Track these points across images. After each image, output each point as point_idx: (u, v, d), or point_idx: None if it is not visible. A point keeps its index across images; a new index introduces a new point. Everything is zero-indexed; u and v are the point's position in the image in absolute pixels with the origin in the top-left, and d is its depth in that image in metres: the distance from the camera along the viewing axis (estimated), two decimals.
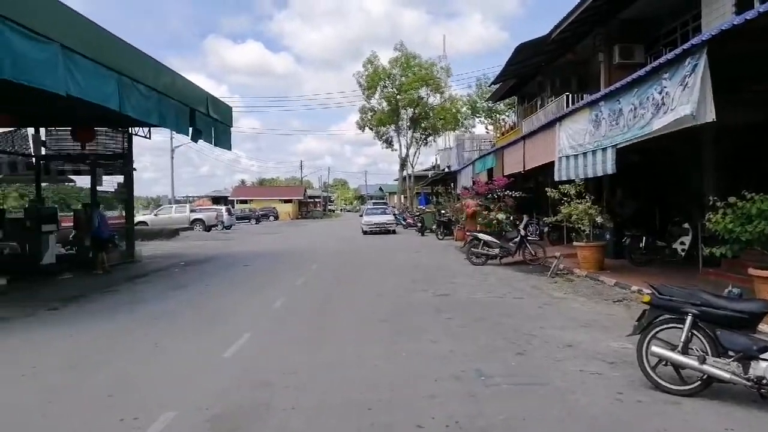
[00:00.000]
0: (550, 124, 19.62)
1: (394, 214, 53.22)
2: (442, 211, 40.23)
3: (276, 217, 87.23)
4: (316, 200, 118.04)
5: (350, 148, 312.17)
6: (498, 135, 47.11)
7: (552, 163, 18.99)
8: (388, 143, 76.27)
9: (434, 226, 39.82)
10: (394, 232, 44.49)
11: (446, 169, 54.72)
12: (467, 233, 25.20)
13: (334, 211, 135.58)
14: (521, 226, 22.85)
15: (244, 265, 23.08)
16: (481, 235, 22.82)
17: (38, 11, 12.41)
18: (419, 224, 43.54)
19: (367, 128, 74.92)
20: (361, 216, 53.52)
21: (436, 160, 73.65)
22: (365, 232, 43.65)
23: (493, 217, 25.38)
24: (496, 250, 22.31)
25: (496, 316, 12.90)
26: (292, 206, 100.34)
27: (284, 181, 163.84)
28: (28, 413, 7.99)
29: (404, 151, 76.10)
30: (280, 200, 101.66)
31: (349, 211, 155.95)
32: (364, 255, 26.80)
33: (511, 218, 25.26)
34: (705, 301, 8.18)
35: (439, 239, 36.26)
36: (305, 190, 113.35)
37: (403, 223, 52.93)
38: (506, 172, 24.85)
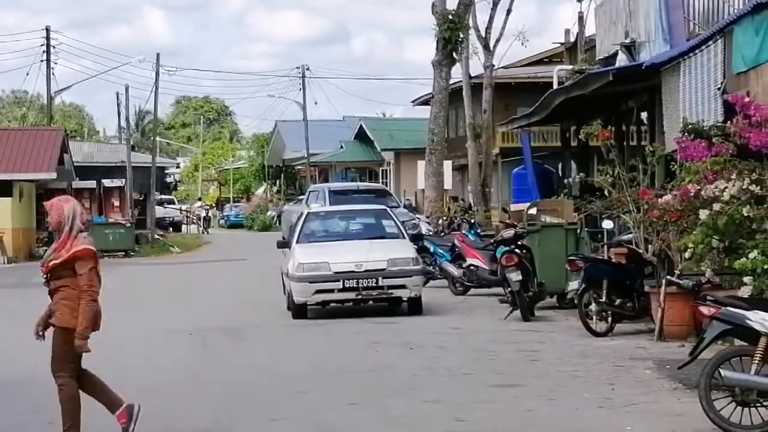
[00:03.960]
0: None
1: (420, 237, 18.98)
2: (606, 221, 13.38)
3: None
4: (115, 184, 38.71)
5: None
6: None
7: None
8: None
9: (571, 286, 12.40)
10: (413, 306, 14.45)
11: (618, 57, 18.62)
12: (702, 307, 6.95)
13: (180, 221, 54.92)
14: None
15: None
16: None
17: None
18: (512, 277, 13.13)
19: None
20: (289, 243, 15.71)
21: (582, 20, 28.79)
22: (298, 310, 14.37)
23: None
24: None
25: None
26: (12, 208, 31.32)
27: None
28: None
29: None
30: None
31: (234, 222, 60.86)
32: None
33: None
34: None
35: (595, 333, 11.63)
36: (64, 141, 34.18)
37: (447, 263, 17.43)
38: None
